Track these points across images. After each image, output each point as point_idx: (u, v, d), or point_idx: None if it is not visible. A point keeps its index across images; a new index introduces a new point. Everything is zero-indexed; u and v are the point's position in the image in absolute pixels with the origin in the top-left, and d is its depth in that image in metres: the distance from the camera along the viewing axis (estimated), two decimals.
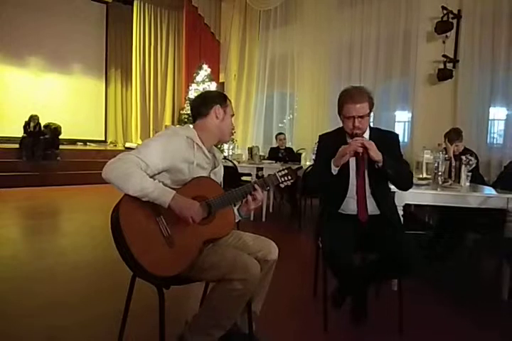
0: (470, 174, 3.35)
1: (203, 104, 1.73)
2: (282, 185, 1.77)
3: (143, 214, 1.47)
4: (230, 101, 1.79)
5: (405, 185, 2.12)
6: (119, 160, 1.46)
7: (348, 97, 2.01)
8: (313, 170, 2.30)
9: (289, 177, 1.76)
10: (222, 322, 1.56)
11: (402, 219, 2.47)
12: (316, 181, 2.15)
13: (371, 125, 2.20)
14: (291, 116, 8.17)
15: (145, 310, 1.91)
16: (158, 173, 1.55)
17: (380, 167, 1.95)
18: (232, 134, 1.91)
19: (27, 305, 2.22)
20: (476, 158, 3.59)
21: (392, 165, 1.96)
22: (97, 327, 2.00)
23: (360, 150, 1.91)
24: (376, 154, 1.91)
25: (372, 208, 2.06)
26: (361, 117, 1.98)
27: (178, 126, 5.80)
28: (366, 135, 2.11)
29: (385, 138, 2.11)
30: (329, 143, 2.16)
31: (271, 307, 1.91)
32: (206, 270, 1.53)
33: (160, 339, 1.51)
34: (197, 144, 1.65)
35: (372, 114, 2.13)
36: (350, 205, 2.07)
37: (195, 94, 8.52)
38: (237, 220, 1.78)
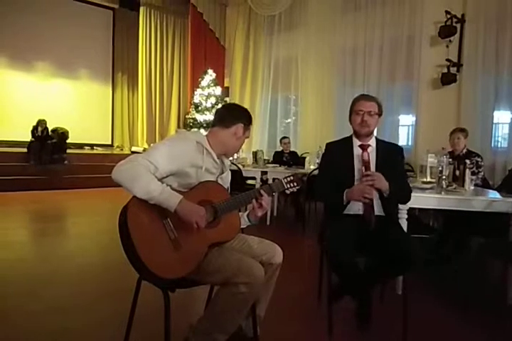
0: (482, 175, 3.34)
1: (230, 116, 1.76)
2: (288, 191, 1.79)
3: (150, 217, 1.49)
4: (252, 125, 1.83)
5: (404, 202, 2.28)
6: (129, 162, 1.48)
7: (360, 96, 2.21)
8: (319, 181, 2.30)
9: (295, 184, 1.78)
10: (227, 325, 1.57)
11: (406, 222, 2.50)
12: (324, 197, 2.26)
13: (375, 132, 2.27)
14: (294, 119, 8.18)
15: (150, 313, 1.92)
16: (167, 176, 1.57)
17: (387, 195, 2.04)
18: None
19: (32, 308, 2.24)
20: (482, 159, 3.60)
21: (395, 191, 2.06)
22: (102, 330, 2.02)
23: (372, 197, 2.00)
24: (384, 185, 2.00)
25: (378, 209, 2.10)
26: (370, 115, 2.12)
27: (184, 129, 5.86)
28: (373, 143, 2.21)
29: (391, 151, 2.22)
30: (335, 152, 2.25)
31: (275, 310, 1.92)
32: (211, 273, 1.55)
33: None
34: (206, 149, 1.68)
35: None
36: (354, 205, 2.11)
37: (201, 99, 8.69)
38: (245, 226, 1.80)
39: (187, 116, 9.14)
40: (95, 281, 2.77)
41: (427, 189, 2.73)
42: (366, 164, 2.06)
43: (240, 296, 1.50)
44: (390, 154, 2.17)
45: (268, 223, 4.79)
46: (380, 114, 2.18)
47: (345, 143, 2.24)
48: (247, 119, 1.78)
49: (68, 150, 8.18)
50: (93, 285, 2.68)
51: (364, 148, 2.16)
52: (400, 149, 2.28)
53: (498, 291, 2.64)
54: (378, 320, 2.10)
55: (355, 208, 2.11)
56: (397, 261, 1.88)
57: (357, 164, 2.15)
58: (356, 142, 2.21)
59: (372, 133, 2.20)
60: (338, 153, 2.21)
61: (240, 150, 5.83)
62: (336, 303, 2.08)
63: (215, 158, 1.71)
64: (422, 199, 2.55)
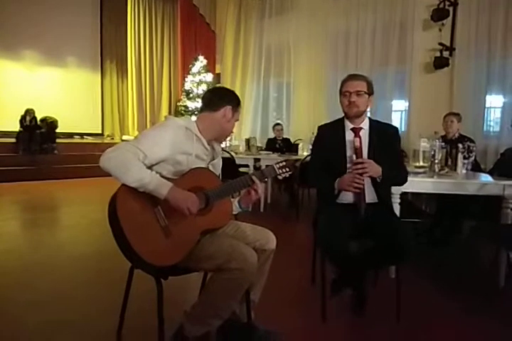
0: (472, 160, 3.35)
1: (218, 99, 1.72)
2: (280, 177, 1.77)
3: (140, 205, 1.47)
4: (241, 107, 1.79)
5: (401, 184, 2.25)
6: (118, 149, 1.45)
7: (347, 77, 2.14)
8: (311, 166, 2.27)
9: (287, 170, 1.76)
10: (220, 311, 1.57)
11: (398, 207, 2.49)
12: (316, 184, 2.25)
13: (368, 115, 2.22)
14: (286, 105, 8.11)
15: (144, 302, 1.91)
16: (156, 164, 1.55)
17: (380, 180, 2.01)
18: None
19: (26, 299, 2.21)
20: (474, 144, 3.60)
21: (389, 175, 2.02)
22: (97, 319, 2.00)
23: (361, 186, 1.95)
24: (375, 172, 1.96)
25: (371, 196, 2.07)
26: (358, 94, 2.04)
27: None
28: (365, 126, 2.14)
29: (385, 132, 2.15)
30: (327, 134, 2.20)
31: (269, 296, 1.92)
32: (204, 260, 1.53)
33: (159, 329, 1.52)
34: (196, 135, 1.65)
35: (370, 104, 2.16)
36: (347, 195, 2.07)
37: (192, 86, 8.59)
38: (236, 212, 1.79)
39: (178, 104, 9.05)
40: (88, 271, 2.75)
41: (419, 173, 2.73)
42: (357, 151, 2.00)
43: (233, 282, 1.49)
44: (384, 135, 2.11)
45: (262, 210, 4.79)
46: (370, 93, 2.08)
47: (337, 126, 2.18)
48: (234, 101, 1.74)
49: (58, 140, 8.08)
50: (86, 275, 2.66)
51: (356, 131, 2.10)
52: (394, 129, 2.22)
53: (489, 274, 2.67)
54: (372, 304, 2.11)
55: (348, 197, 2.07)
56: (388, 253, 1.87)
57: (349, 149, 2.09)
58: (348, 125, 2.14)
59: (363, 113, 2.11)
60: (329, 137, 2.16)
61: (232, 137, 5.80)
62: (336, 294, 2.05)
63: (206, 144, 1.68)
64: (414, 184, 2.53)
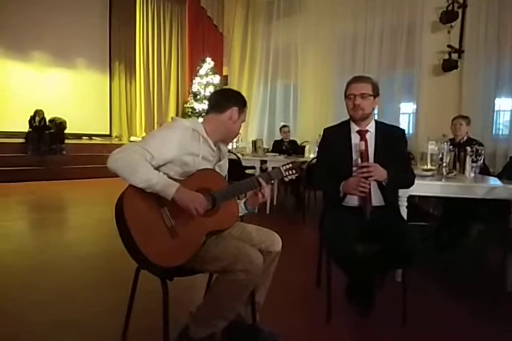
0: (481, 163, 3.32)
1: (224, 100, 1.73)
2: (287, 179, 1.76)
3: (147, 205, 1.47)
4: (247, 108, 1.80)
5: (407, 187, 2.23)
6: (125, 150, 1.46)
7: (351, 79, 2.12)
8: (317, 169, 2.27)
9: (294, 172, 1.75)
10: (225, 312, 1.58)
11: (405, 210, 2.47)
12: (322, 187, 2.24)
13: (376, 117, 2.20)
14: (293, 107, 8.11)
15: (149, 302, 1.91)
16: (163, 165, 1.55)
17: (386, 184, 1.99)
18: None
19: (31, 299, 2.21)
20: (483, 147, 3.56)
21: (395, 179, 2.00)
22: (102, 319, 2.01)
23: (367, 190, 1.93)
24: (381, 176, 1.94)
25: (378, 199, 2.06)
26: (362, 97, 2.02)
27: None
28: (371, 128, 2.12)
29: (391, 134, 2.13)
30: (333, 137, 2.19)
31: (275, 297, 1.92)
32: (209, 261, 1.53)
33: (164, 330, 1.52)
34: (203, 137, 1.65)
35: (376, 106, 2.15)
36: (353, 198, 2.06)
37: (199, 88, 8.63)
38: (242, 214, 1.79)
39: (185, 105, 9.10)
40: (95, 271, 2.76)
41: (427, 176, 2.71)
42: (362, 154, 1.99)
43: (238, 283, 1.49)
44: (391, 138, 2.09)
45: (268, 212, 4.78)
46: (375, 95, 2.06)
47: (343, 129, 2.16)
48: (240, 102, 1.74)
49: (66, 141, 8.15)
50: (93, 275, 2.67)
51: (362, 134, 2.09)
52: (401, 132, 2.19)
53: (497, 278, 2.64)
54: (377, 307, 2.09)
55: (354, 200, 2.06)
56: (395, 257, 1.85)
57: (355, 152, 2.08)
58: (354, 128, 2.12)
59: (368, 116, 2.09)
60: (335, 140, 2.15)
61: (239, 139, 5.81)
62: (350, 303, 2.03)
63: (212, 145, 1.69)
64: (422, 187, 2.51)
